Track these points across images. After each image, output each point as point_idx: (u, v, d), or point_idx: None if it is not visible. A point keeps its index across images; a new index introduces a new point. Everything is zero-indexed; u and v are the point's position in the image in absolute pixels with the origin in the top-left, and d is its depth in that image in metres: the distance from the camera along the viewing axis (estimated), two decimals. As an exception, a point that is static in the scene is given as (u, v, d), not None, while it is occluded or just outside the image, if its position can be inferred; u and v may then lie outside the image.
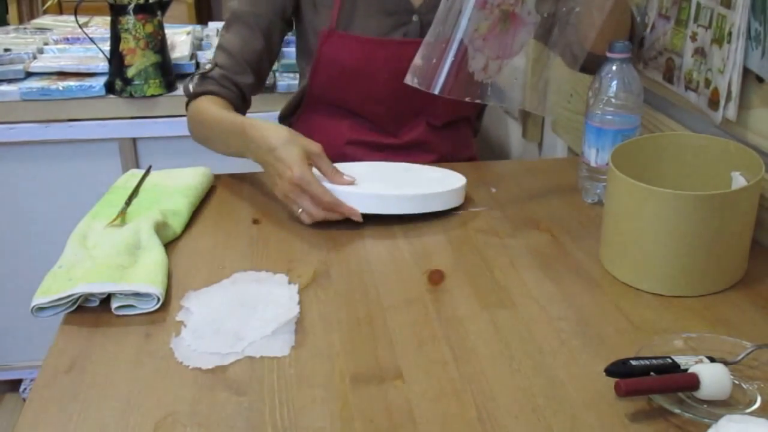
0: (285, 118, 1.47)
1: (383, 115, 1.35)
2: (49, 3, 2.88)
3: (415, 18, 1.30)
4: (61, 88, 1.76)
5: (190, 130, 1.31)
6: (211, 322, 0.84)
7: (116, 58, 1.76)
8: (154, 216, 1.02)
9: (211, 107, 1.25)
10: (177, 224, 1.06)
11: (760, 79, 0.97)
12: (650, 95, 1.22)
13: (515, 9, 1.07)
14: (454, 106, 1.37)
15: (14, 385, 2.10)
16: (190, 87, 1.30)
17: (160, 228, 1.02)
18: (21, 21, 3.29)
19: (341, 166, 1.11)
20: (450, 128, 1.41)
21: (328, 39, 1.29)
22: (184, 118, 1.32)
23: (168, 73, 1.81)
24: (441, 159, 1.36)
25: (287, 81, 1.83)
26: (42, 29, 2.27)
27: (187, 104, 1.32)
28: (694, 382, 0.70)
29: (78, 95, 1.77)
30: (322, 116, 1.38)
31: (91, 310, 0.88)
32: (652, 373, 0.72)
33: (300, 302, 0.88)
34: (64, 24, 2.33)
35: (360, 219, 1.06)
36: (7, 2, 3.35)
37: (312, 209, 1.05)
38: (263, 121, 1.14)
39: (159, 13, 1.77)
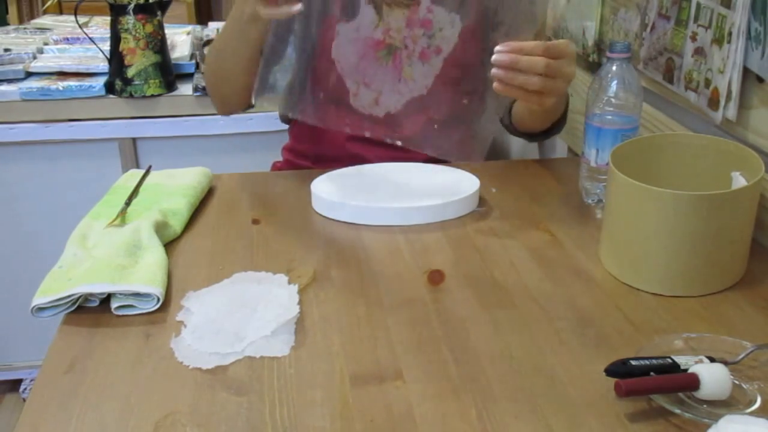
0: (286, 118, 1.47)
1: None
2: (49, 3, 2.88)
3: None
4: (61, 88, 1.76)
5: (208, 77, 1.34)
6: (211, 322, 0.84)
7: (116, 58, 1.76)
8: (154, 216, 1.02)
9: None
10: (177, 224, 1.06)
11: (760, 79, 0.97)
12: (650, 95, 1.22)
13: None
14: (459, 97, 1.37)
15: (14, 385, 2.11)
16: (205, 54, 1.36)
17: (160, 228, 1.02)
18: (21, 21, 3.29)
19: (348, 170, 1.11)
20: (452, 125, 1.41)
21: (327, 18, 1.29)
22: (184, 118, 1.32)
23: (168, 73, 1.81)
24: (442, 156, 1.36)
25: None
26: (42, 29, 2.27)
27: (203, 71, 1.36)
28: (694, 382, 0.70)
29: (78, 95, 1.77)
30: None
31: (91, 310, 0.88)
32: (652, 373, 0.72)
33: (300, 302, 0.88)
34: (64, 24, 2.34)
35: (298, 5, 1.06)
36: (7, 2, 3.35)
37: None
38: None
39: (159, 13, 1.77)
